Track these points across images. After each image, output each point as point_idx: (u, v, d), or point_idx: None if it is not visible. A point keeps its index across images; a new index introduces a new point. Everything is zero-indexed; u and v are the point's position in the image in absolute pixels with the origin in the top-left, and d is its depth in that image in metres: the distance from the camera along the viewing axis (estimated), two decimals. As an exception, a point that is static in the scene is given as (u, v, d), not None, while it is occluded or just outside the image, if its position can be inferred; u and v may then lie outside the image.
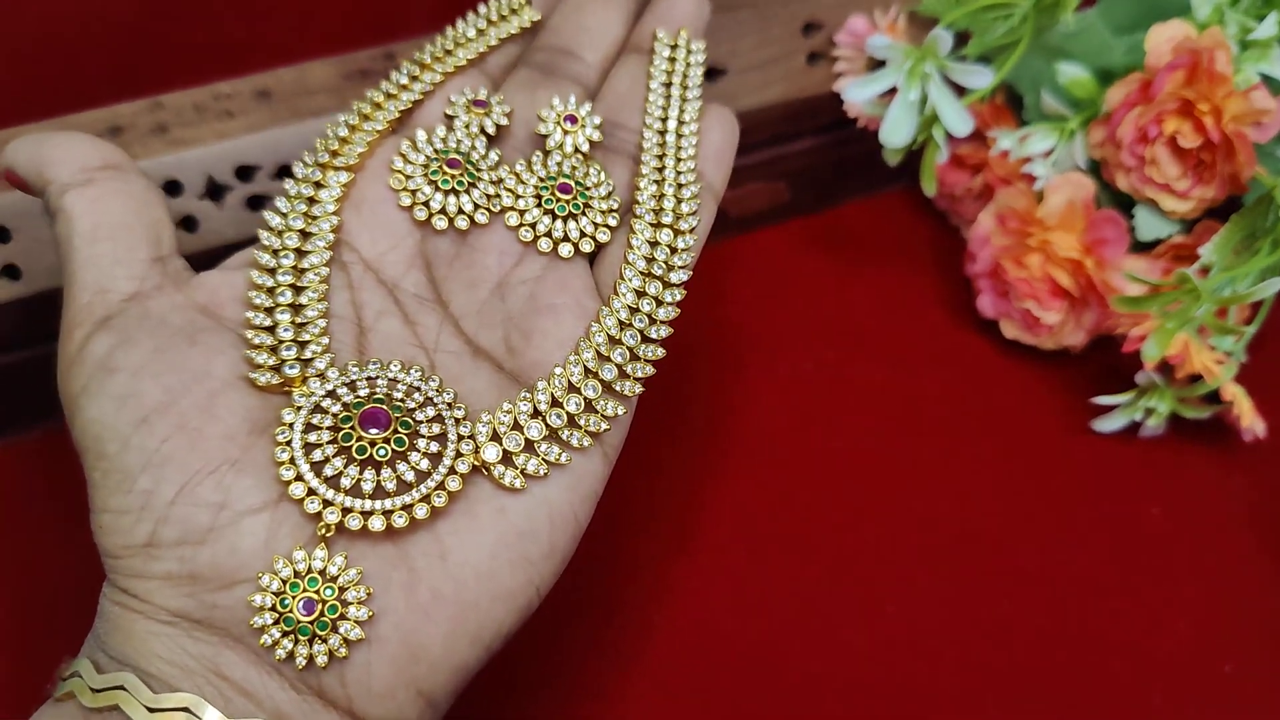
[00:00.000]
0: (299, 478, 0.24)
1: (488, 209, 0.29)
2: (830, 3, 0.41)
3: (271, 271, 0.27)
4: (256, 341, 0.26)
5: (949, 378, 0.39)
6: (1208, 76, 0.33)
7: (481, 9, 0.34)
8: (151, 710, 0.21)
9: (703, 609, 0.33)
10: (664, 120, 0.32)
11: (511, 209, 0.29)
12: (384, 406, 0.25)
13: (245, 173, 0.34)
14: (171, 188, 0.33)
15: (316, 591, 0.23)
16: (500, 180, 0.30)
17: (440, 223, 0.29)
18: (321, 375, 0.25)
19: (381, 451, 0.24)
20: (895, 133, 0.36)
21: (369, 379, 0.26)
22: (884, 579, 0.34)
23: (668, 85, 0.33)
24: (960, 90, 0.36)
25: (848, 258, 0.42)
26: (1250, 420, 0.35)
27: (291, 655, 0.22)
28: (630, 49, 0.33)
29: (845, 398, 0.38)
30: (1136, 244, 0.36)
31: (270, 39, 0.37)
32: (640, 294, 0.28)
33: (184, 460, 0.23)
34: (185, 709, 0.21)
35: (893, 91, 0.36)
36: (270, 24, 0.39)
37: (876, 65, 0.37)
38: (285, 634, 0.22)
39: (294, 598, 0.22)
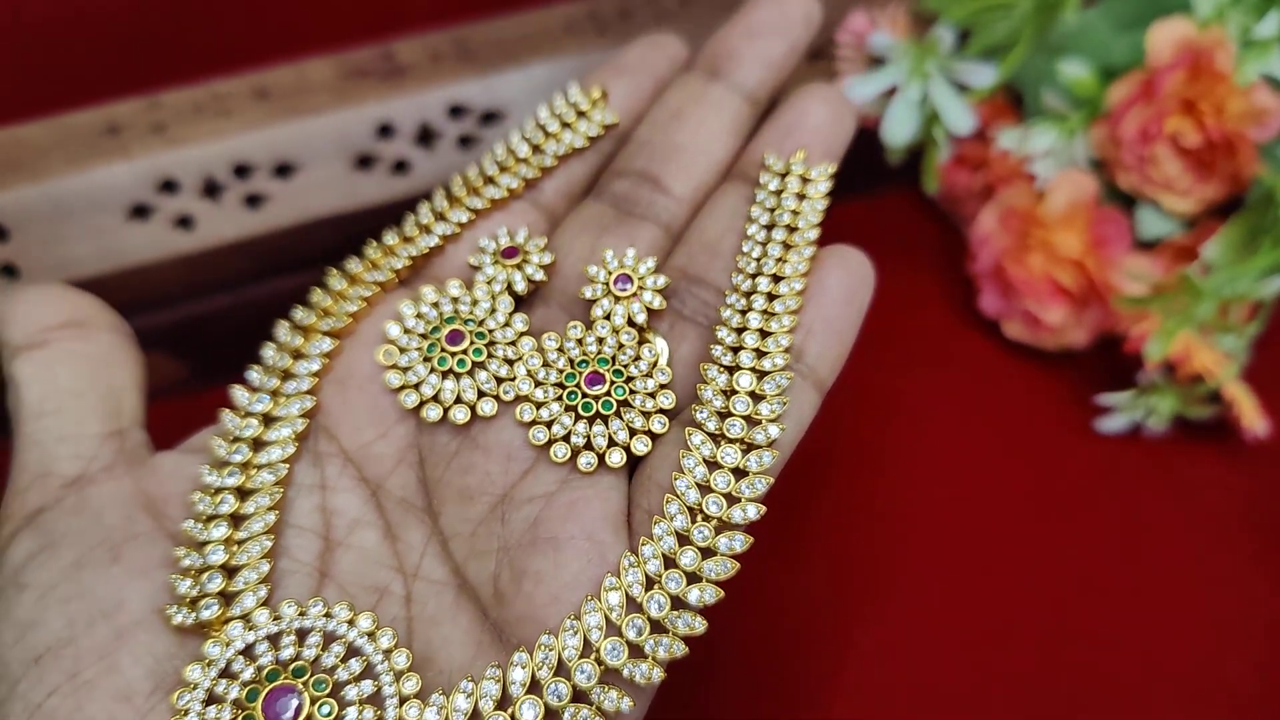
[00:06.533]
0: None
1: (497, 396, 0.23)
2: (830, 2, 0.41)
3: (222, 466, 0.22)
4: (185, 564, 0.21)
5: (950, 378, 0.38)
6: (1209, 75, 0.33)
7: (541, 113, 0.27)
8: None
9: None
10: (754, 279, 0.24)
11: (526, 399, 0.23)
12: (298, 684, 0.20)
13: (243, 171, 0.34)
14: (169, 186, 0.33)
15: None
16: (521, 357, 0.24)
17: (432, 412, 0.23)
18: (246, 618, 0.20)
19: None
20: (896, 132, 0.36)
21: (299, 633, 0.20)
22: (884, 579, 0.33)
23: (769, 228, 0.25)
24: (961, 88, 0.36)
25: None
26: (1252, 420, 0.35)
27: None
28: (736, 175, 0.27)
29: (845, 398, 0.38)
30: (1138, 243, 0.36)
31: (268, 37, 0.37)
32: (683, 539, 0.21)
33: None
34: None
35: (894, 90, 0.36)
36: (268, 22, 0.39)
37: (877, 63, 0.37)
38: None
39: None
